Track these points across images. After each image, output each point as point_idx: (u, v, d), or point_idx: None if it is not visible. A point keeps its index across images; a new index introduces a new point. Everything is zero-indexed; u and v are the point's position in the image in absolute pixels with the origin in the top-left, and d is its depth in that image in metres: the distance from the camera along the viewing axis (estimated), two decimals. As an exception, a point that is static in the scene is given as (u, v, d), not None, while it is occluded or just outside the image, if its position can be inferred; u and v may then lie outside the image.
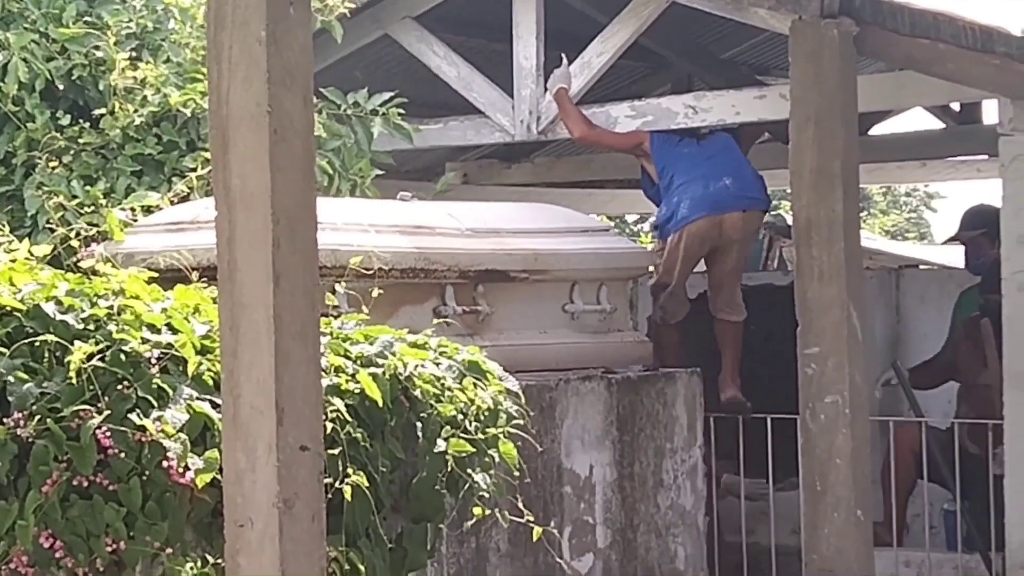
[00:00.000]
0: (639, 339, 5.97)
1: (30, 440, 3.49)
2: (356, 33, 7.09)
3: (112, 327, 3.67)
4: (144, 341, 3.67)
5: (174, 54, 6.16)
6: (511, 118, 7.16)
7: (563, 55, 7.06)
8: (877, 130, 9.43)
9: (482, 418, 4.17)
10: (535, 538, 4.39)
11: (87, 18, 6.17)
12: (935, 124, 9.44)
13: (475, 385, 4.21)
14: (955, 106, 8.97)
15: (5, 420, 3.51)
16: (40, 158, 5.86)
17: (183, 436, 3.52)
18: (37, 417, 3.49)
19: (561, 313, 5.62)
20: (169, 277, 4.34)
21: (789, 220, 7.34)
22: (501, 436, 4.19)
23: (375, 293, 4.55)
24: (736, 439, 7.03)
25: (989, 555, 6.98)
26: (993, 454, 6.90)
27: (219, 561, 3.52)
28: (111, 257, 4.72)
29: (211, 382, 3.65)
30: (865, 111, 6.34)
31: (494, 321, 5.37)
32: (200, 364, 3.67)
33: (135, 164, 5.87)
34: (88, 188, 5.68)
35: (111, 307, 3.74)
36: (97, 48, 6.05)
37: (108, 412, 3.50)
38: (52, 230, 5.39)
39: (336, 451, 3.73)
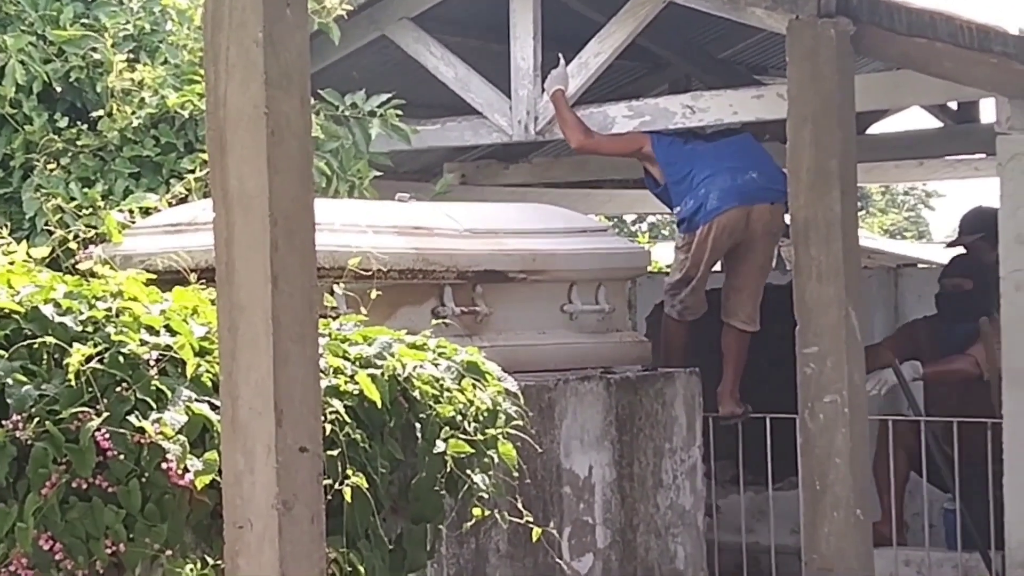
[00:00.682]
0: (638, 339, 5.96)
1: (29, 442, 3.48)
2: (353, 34, 7.09)
3: (111, 329, 3.67)
4: (143, 343, 3.66)
5: (171, 56, 6.15)
6: (509, 118, 7.15)
7: (560, 55, 7.04)
8: (875, 129, 9.44)
9: (481, 419, 4.17)
10: (534, 538, 4.39)
11: (84, 20, 6.17)
12: (932, 123, 9.44)
13: (474, 386, 4.21)
14: (952, 105, 8.97)
15: (4, 422, 3.50)
16: (38, 160, 5.86)
17: (182, 438, 3.52)
18: (36, 419, 3.49)
19: (559, 313, 5.61)
20: (167, 279, 4.33)
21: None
22: (500, 437, 4.19)
23: (373, 294, 4.55)
24: (736, 439, 7.03)
25: (988, 554, 6.99)
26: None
27: (218, 563, 3.52)
28: (109, 259, 4.71)
29: (210, 384, 3.65)
30: (862, 110, 6.33)
31: (493, 322, 5.37)
32: (199, 366, 3.66)
33: (133, 166, 5.87)
34: (86, 190, 5.69)
35: (110, 309, 3.74)
36: (94, 50, 6.05)
37: (107, 414, 3.50)
38: (50, 232, 5.39)
39: (335, 452, 3.72)
